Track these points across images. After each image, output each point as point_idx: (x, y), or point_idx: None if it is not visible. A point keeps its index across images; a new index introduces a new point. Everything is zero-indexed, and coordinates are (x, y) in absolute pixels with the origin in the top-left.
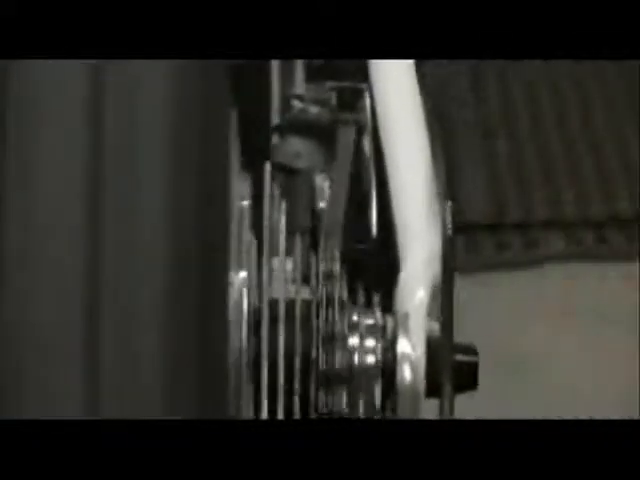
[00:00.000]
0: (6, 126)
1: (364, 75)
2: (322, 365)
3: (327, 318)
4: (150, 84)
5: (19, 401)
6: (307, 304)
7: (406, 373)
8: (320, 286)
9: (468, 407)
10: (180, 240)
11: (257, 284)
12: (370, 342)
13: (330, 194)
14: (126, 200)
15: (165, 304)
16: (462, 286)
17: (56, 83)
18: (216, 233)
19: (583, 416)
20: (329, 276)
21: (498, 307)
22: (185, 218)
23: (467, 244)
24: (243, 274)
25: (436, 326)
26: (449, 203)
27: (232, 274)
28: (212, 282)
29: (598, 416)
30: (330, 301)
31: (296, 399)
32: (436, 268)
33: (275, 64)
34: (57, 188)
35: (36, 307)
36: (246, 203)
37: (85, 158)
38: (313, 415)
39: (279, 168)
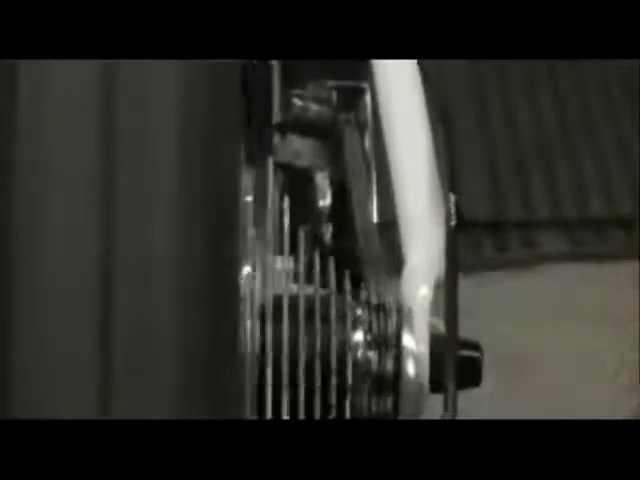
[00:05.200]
0: (18, 126)
1: (365, 74)
2: (327, 362)
3: (331, 315)
4: (160, 84)
5: (32, 401)
6: (311, 300)
7: (410, 369)
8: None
9: (468, 406)
10: (192, 238)
11: (262, 281)
12: (374, 338)
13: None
14: (137, 198)
15: (177, 303)
16: (462, 286)
17: (68, 83)
18: (227, 230)
19: (583, 416)
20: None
21: (498, 307)
22: (197, 215)
23: (467, 244)
24: (247, 270)
25: (440, 322)
26: (452, 198)
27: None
28: (223, 281)
29: (598, 416)
30: (334, 298)
31: (300, 397)
32: (439, 264)
33: (276, 63)
34: (68, 187)
35: (48, 307)
36: (249, 199)
37: (96, 157)
38: (318, 414)
39: (280, 167)
